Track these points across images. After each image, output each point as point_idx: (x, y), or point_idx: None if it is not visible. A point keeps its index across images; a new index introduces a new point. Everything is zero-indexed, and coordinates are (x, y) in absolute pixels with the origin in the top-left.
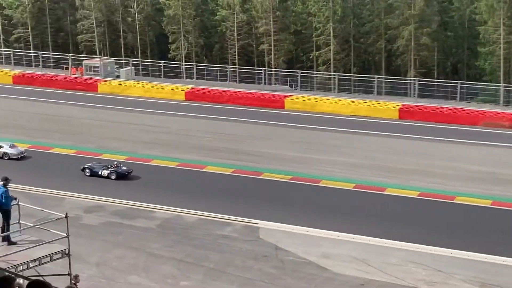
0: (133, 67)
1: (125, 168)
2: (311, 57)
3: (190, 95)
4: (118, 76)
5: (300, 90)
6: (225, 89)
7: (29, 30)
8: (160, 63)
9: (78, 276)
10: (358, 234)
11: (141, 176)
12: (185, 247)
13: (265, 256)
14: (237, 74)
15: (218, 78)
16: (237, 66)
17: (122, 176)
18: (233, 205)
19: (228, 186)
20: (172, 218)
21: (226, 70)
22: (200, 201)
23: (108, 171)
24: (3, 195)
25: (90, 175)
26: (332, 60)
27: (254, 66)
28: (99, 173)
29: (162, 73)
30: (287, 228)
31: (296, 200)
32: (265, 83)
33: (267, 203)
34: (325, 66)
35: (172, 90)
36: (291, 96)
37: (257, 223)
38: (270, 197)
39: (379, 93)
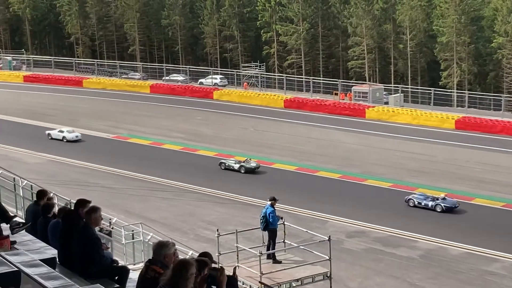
0: (402, 94)
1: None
2: None
3: (461, 124)
4: (386, 103)
5: None
6: (499, 119)
7: (302, 56)
8: (430, 90)
9: None
10: None
11: (401, 206)
12: (448, 280)
13: None
14: None
15: (492, 107)
16: None
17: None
18: (502, 240)
19: (498, 221)
20: (435, 249)
21: (501, 99)
22: (466, 234)
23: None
24: (271, 214)
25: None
26: None
27: None
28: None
29: (432, 101)
30: None
31: None
32: None
33: None
34: None
35: (442, 118)
36: None
37: None
38: None
39: None
